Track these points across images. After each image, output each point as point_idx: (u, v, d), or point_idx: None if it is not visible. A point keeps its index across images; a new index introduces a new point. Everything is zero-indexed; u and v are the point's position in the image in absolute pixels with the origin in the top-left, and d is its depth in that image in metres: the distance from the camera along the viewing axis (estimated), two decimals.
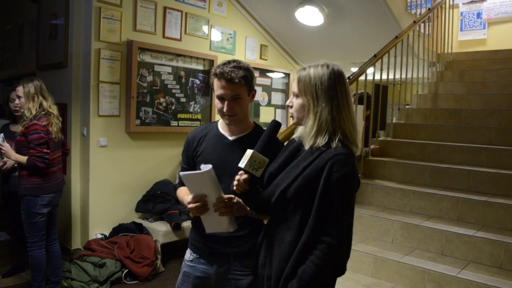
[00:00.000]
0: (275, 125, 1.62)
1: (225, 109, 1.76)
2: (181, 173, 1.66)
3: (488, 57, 5.43)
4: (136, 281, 3.77)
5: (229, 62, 1.78)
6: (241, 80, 1.75)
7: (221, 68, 1.75)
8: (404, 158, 3.98)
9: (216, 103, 1.80)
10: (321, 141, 1.50)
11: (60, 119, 3.39)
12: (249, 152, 1.54)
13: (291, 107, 1.61)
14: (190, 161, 1.92)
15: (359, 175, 1.58)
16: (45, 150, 3.15)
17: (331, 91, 1.51)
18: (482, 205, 3.14)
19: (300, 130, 1.62)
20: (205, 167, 1.59)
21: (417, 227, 3.12)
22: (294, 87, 1.60)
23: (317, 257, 1.44)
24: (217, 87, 1.76)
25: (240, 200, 1.67)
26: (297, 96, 1.58)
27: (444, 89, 5.10)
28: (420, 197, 3.41)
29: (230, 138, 1.87)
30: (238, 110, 1.79)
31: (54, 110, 3.33)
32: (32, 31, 5.16)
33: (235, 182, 1.56)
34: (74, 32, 4.17)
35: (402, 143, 4.15)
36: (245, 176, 1.54)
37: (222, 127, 1.91)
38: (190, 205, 1.65)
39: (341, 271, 1.59)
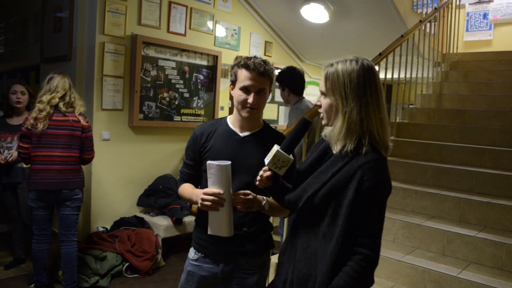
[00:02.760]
0: (304, 123, 1.55)
1: (250, 100, 1.74)
2: (208, 162, 1.61)
3: (494, 58, 5.40)
4: (137, 275, 3.78)
5: (255, 57, 1.80)
6: (270, 75, 1.79)
7: (251, 60, 1.75)
8: (407, 158, 3.97)
9: (238, 94, 1.78)
10: (350, 145, 1.41)
11: (58, 107, 3.14)
12: (274, 148, 1.51)
13: (320, 106, 1.52)
14: (196, 157, 1.88)
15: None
16: (21, 144, 3.13)
17: (361, 89, 1.41)
18: (484, 206, 3.13)
19: (328, 130, 1.53)
20: (224, 162, 1.59)
21: (419, 226, 3.11)
22: (321, 86, 1.50)
23: (352, 269, 1.37)
24: (245, 78, 1.75)
25: (256, 195, 1.67)
26: (325, 95, 1.49)
27: (448, 90, 5.08)
28: (422, 196, 3.40)
29: (241, 134, 1.85)
30: (261, 104, 1.80)
31: (43, 102, 3.10)
32: (36, 23, 5.16)
33: (258, 178, 1.56)
34: (78, 25, 4.17)
35: (405, 142, 4.14)
36: (268, 173, 1.53)
37: (232, 123, 1.88)
38: (206, 197, 1.61)
39: (371, 281, 1.50)
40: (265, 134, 1.87)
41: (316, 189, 1.45)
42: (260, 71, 1.74)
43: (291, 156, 1.51)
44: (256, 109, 1.78)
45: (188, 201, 1.90)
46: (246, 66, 1.75)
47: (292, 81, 3.72)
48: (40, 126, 3.05)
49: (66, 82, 3.21)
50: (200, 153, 1.87)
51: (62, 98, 3.16)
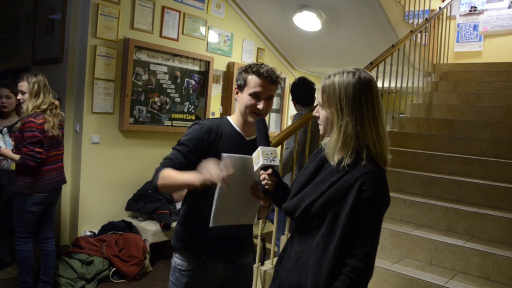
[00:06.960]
0: (258, 121, 1.68)
1: (260, 107, 1.77)
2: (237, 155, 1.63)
3: (483, 69, 5.47)
4: (124, 280, 3.75)
5: (263, 64, 1.83)
6: (280, 83, 1.84)
7: (263, 68, 1.79)
8: (396, 167, 3.98)
9: (248, 99, 1.78)
10: (348, 159, 1.41)
11: (61, 115, 3.28)
12: (258, 150, 1.56)
13: (319, 117, 1.52)
14: (197, 151, 1.77)
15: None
16: (37, 149, 3.05)
17: (356, 103, 1.40)
18: (472, 216, 3.14)
19: (326, 140, 1.52)
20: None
21: (407, 235, 3.12)
22: (318, 97, 1.50)
23: (341, 282, 1.35)
24: (256, 84, 1.77)
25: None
26: (322, 107, 1.49)
27: (438, 99, 5.12)
28: (410, 205, 3.41)
29: (247, 138, 1.87)
30: (268, 110, 1.83)
31: (53, 106, 3.20)
32: (28, 25, 5.13)
33: (264, 182, 1.53)
34: (71, 27, 4.15)
35: (394, 151, 4.14)
36: (269, 171, 1.54)
37: (237, 125, 1.87)
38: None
39: None
40: None
41: (314, 199, 1.43)
42: (272, 79, 1.78)
43: (273, 147, 1.58)
44: (264, 114, 1.81)
45: (174, 187, 1.81)
46: (258, 73, 1.78)
47: (295, 92, 3.84)
48: (56, 129, 3.16)
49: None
50: (204, 149, 1.78)
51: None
